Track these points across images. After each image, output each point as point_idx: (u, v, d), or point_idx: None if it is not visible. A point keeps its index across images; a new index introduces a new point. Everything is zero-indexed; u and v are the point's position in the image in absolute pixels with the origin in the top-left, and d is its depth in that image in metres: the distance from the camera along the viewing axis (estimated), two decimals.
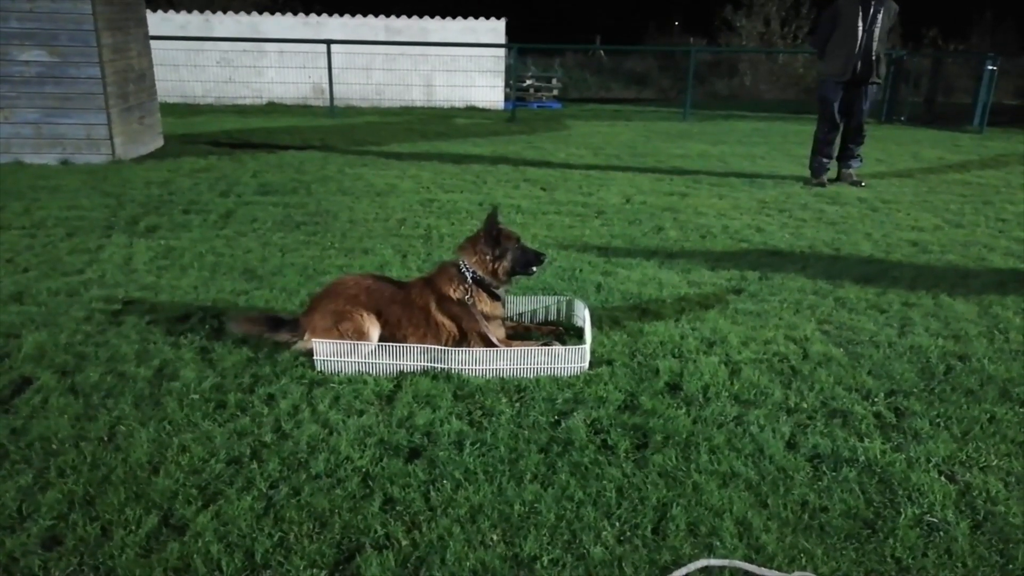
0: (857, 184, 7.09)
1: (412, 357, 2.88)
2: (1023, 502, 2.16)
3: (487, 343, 2.97)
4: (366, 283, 3.09)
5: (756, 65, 21.30)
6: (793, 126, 12.48)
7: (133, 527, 1.97)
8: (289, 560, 1.87)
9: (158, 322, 3.34)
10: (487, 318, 3.02)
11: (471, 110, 14.69)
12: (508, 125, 12.09)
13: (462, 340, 3.01)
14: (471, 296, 2.99)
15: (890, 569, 1.89)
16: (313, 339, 2.90)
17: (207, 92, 14.67)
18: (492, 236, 2.99)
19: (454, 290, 3.00)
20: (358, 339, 2.88)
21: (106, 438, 2.40)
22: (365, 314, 2.95)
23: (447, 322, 3.01)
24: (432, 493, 2.14)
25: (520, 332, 3.31)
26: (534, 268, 3.10)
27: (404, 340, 2.96)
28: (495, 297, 3.06)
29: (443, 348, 2.91)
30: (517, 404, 2.67)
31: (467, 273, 3.01)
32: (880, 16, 6.61)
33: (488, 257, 3.00)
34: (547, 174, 7.41)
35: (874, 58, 6.68)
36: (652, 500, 2.12)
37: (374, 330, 2.94)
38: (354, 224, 5.24)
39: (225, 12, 15.54)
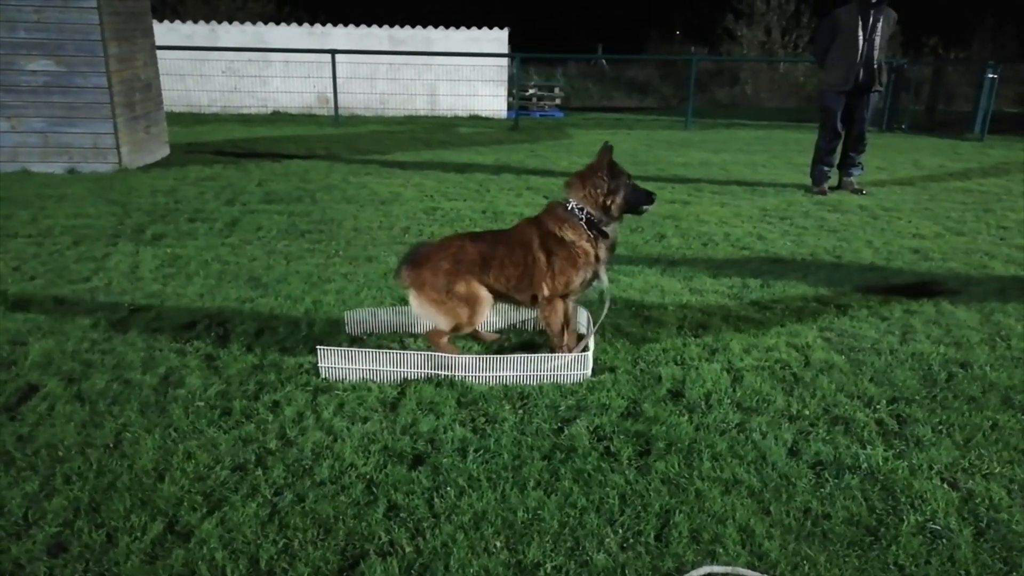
0: (858, 192, 7.10)
1: (415, 365, 2.90)
2: None
3: (555, 297, 2.92)
4: (470, 235, 3.12)
5: (757, 74, 21.38)
6: (794, 134, 12.52)
7: (138, 534, 1.98)
8: (293, 567, 1.88)
9: (164, 329, 3.36)
10: (589, 261, 2.92)
11: (474, 119, 14.76)
12: (511, 134, 12.14)
13: (550, 280, 2.93)
14: (580, 237, 2.87)
15: None
16: (420, 298, 2.92)
17: (213, 101, 14.77)
18: (609, 168, 2.83)
19: (560, 228, 2.91)
20: (471, 304, 2.90)
21: (112, 445, 2.42)
22: (474, 281, 2.93)
23: (543, 258, 2.92)
24: (436, 500, 2.15)
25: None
26: (645, 207, 2.95)
27: (506, 280, 2.95)
28: (603, 235, 2.92)
29: (447, 355, 2.91)
30: (520, 411, 2.68)
31: (576, 211, 2.88)
32: (880, 24, 6.64)
33: (600, 191, 2.84)
34: (550, 182, 7.43)
35: (876, 66, 6.70)
36: (655, 507, 2.13)
37: (485, 295, 2.94)
38: (358, 232, 5.26)
39: (231, 22, 15.66)
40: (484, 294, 2.95)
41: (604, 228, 2.92)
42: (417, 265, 2.96)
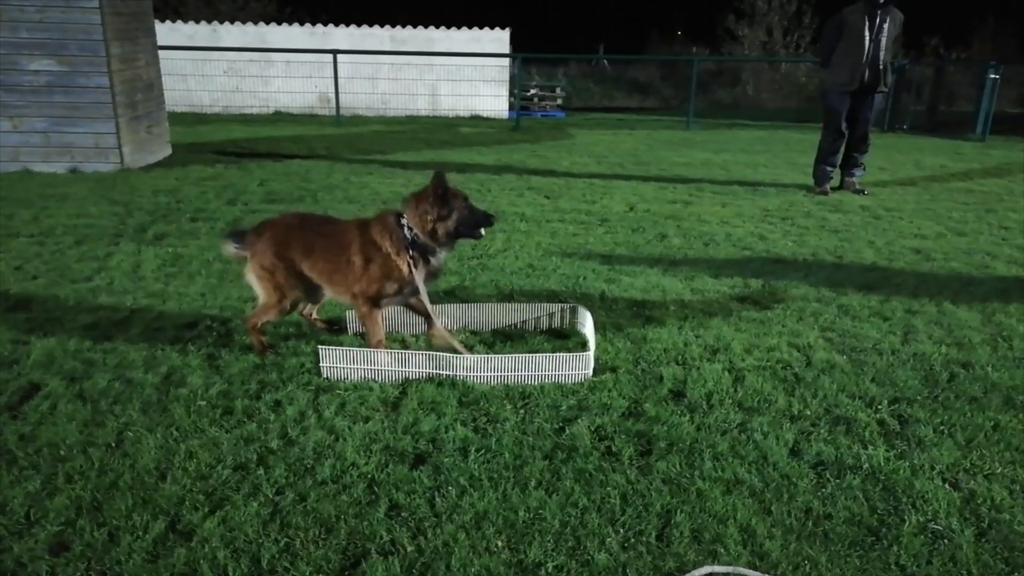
0: (860, 192, 7.10)
1: (418, 364, 2.90)
2: None
3: (367, 304, 2.94)
4: (303, 218, 3.22)
5: (758, 74, 21.39)
6: (795, 134, 12.51)
7: (140, 533, 1.99)
8: (295, 566, 1.88)
9: (165, 329, 3.36)
10: (401, 278, 2.92)
11: (476, 119, 14.77)
12: (512, 134, 12.14)
13: (361, 282, 2.94)
14: (397, 253, 2.89)
15: None
16: (250, 265, 3.03)
17: (214, 101, 14.79)
18: (439, 195, 2.83)
19: (382, 238, 2.91)
20: (281, 289, 3.01)
21: (114, 444, 2.42)
22: (286, 266, 3.00)
23: (359, 262, 2.93)
24: (437, 499, 2.15)
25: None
26: (482, 231, 2.94)
27: (320, 273, 2.99)
28: (426, 261, 2.93)
29: (448, 355, 2.91)
30: (522, 411, 2.69)
31: (405, 230, 2.89)
32: (887, 25, 6.63)
33: (430, 216, 2.84)
34: (551, 182, 7.44)
35: (881, 67, 6.70)
36: (656, 507, 2.13)
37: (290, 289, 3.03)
38: None
39: (232, 22, 15.67)
40: (289, 289, 3.02)
41: (428, 254, 2.92)
42: (258, 233, 3.05)
